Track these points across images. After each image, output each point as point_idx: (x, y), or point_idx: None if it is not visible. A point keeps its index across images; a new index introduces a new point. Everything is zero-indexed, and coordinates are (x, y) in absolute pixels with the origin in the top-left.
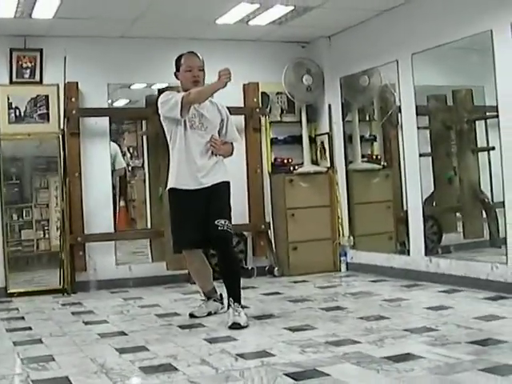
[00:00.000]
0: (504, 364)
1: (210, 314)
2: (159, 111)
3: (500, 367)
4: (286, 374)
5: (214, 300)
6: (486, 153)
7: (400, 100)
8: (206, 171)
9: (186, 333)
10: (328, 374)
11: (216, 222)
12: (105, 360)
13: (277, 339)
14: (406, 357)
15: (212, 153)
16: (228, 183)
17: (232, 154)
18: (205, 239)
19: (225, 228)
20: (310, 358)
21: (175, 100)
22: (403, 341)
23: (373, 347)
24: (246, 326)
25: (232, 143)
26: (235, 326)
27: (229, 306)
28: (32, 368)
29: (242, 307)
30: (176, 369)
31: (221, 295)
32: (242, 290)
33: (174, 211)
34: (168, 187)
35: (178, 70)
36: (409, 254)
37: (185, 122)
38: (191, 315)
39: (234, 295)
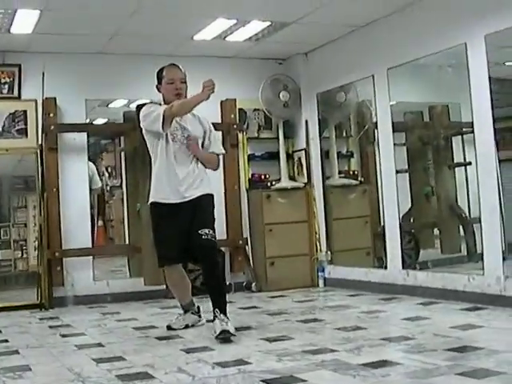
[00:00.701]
0: (480, 368)
1: (187, 326)
2: (141, 124)
3: (476, 371)
4: (263, 381)
5: (192, 313)
6: (463, 168)
7: (376, 116)
8: (188, 184)
9: (164, 344)
10: (304, 380)
11: (200, 232)
12: (82, 369)
13: (254, 349)
14: (382, 363)
15: (196, 164)
16: (211, 196)
17: (217, 165)
18: (187, 254)
19: (208, 237)
20: (287, 366)
21: (157, 113)
22: (380, 349)
23: (350, 355)
24: (234, 335)
25: (218, 155)
26: (224, 335)
27: (214, 317)
28: (8, 377)
29: (229, 319)
30: (153, 377)
31: (198, 308)
32: (227, 301)
33: (155, 226)
34: (150, 201)
35: (159, 82)
36: (386, 268)
37: (167, 135)
38: (169, 327)
39: (220, 306)
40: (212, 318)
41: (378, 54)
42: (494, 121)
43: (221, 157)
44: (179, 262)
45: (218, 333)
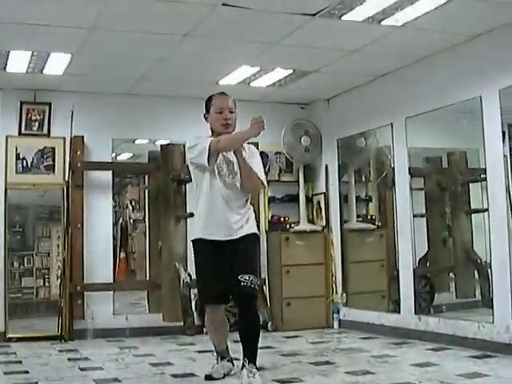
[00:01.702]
0: None
1: (224, 375)
2: (186, 156)
3: None
4: None
5: (228, 360)
6: (480, 214)
7: (394, 162)
8: (234, 221)
9: (178, 381)
10: None
11: (240, 278)
12: None
13: None
14: None
15: (244, 201)
16: (257, 235)
17: (256, 188)
18: (228, 293)
19: (248, 284)
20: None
21: (203, 147)
22: None
23: None
24: None
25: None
26: None
27: (243, 366)
28: None
29: (257, 369)
30: None
31: (231, 357)
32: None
33: (199, 262)
34: (193, 237)
35: (207, 111)
36: (399, 312)
37: (213, 169)
38: (209, 377)
39: (250, 356)
40: (241, 365)
41: (397, 104)
42: None
43: (260, 184)
44: (222, 301)
45: None
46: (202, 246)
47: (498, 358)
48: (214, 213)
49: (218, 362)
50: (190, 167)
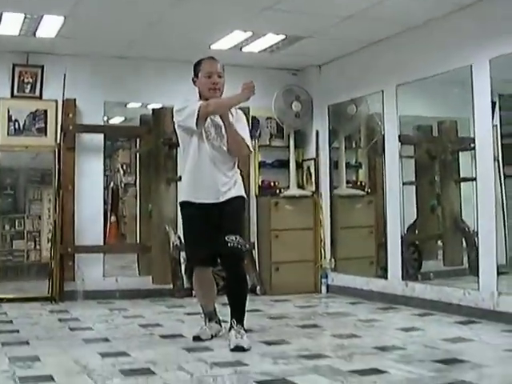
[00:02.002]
0: (461, 380)
1: (212, 336)
2: (174, 118)
3: (457, 383)
4: (257, 382)
5: (216, 322)
6: (469, 183)
7: (384, 129)
8: (221, 185)
9: (167, 342)
10: (295, 383)
11: (226, 238)
12: (87, 362)
13: (252, 351)
14: (371, 371)
15: (231, 164)
16: (243, 198)
17: (243, 152)
18: (216, 256)
19: (235, 245)
20: (281, 369)
21: (192, 109)
22: (371, 357)
23: (342, 362)
24: (248, 349)
25: (245, 143)
26: (238, 349)
27: (231, 327)
28: (18, 366)
29: (245, 330)
30: (154, 373)
31: (218, 317)
32: (246, 312)
33: (187, 225)
34: (181, 200)
35: (196, 75)
36: (386, 278)
37: (200, 132)
38: (197, 338)
39: (238, 316)
40: (229, 326)
41: (388, 71)
42: (502, 137)
43: (246, 149)
44: (210, 264)
45: (232, 346)
46: (190, 209)
47: (482, 323)
48: (201, 176)
49: (205, 324)
50: (177, 130)
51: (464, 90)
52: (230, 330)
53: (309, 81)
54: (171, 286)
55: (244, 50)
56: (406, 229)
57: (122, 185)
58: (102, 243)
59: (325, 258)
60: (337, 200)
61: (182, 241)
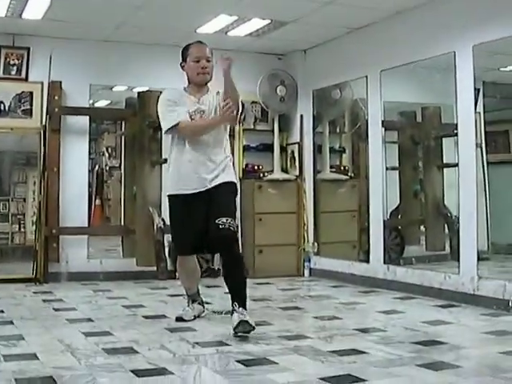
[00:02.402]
0: (439, 361)
1: (195, 317)
2: (158, 109)
3: (435, 363)
4: (238, 361)
5: (199, 303)
6: (452, 169)
7: (368, 114)
8: (206, 173)
9: (150, 322)
10: (276, 363)
11: (217, 221)
12: (71, 341)
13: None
14: (350, 352)
15: (219, 149)
16: (233, 183)
17: (238, 110)
18: (205, 244)
19: (226, 226)
20: (262, 349)
21: (172, 118)
22: (351, 338)
23: (322, 342)
24: (254, 327)
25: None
26: (243, 327)
27: (233, 311)
28: (2, 345)
29: (247, 311)
30: (137, 352)
31: (201, 298)
32: (247, 294)
33: (173, 217)
34: (168, 193)
35: (184, 60)
36: (368, 262)
37: (185, 118)
38: (179, 319)
39: (239, 299)
40: (231, 310)
41: (372, 56)
42: (485, 124)
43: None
44: (195, 253)
45: (235, 324)
46: (176, 200)
47: (462, 307)
48: (185, 165)
49: (188, 305)
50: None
51: (447, 77)
52: (232, 313)
53: (294, 65)
54: (155, 268)
55: (229, 34)
56: (389, 214)
57: (107, 168)
58: (86, 225)
59: (308, 241)
60: (320, 184)
61: (167, 223)
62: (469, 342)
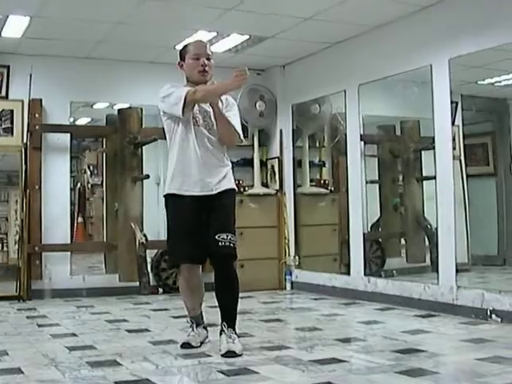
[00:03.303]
0: (418, 368)
1: (201, 343)
2: (159, 105)
3: (414, 370)
4: (220, 371)
5: (204, 328)
6: (431, 181)
7: (346, 128)
8: (211, 176)
9: (133, 336)
10: (257, 372)
11: (217, 237)
12: (55, 355)
13: (215, 344)
14: (330, 361)
15: (220, 153)
16: (234, 191)
17: (233, 141)
18: (206, 253)
19: (226, 244)
20: (243, 360)
21: (178, 95)
22: (332, 348)
23: (303, 352)
24: (240, 355)
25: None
26: (230, 355)
27: (222, 331)
28: None
29: (237, 335)
30: (120, 364)
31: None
32: (237, 315)
33: (172, 220)
34: (165, 192)
35: (182, 59)
36: (349, 274)
37: (187, 119)
38: (186, 345)
39: (229, 320)
40: (219, 330)
41: (350, 71)
42: (464, 137)
43: (237, 137)
44: (195, 262)
45: (223, 352)
46: (176, 202)
47: (442, 316)
48: (188, 166)
49: (193, 330)
50: (162, 118)
51: (425, 90)
52: (220, 334)
53: (273, 80)
54: (137, 283)
55: None
56: (369, 226)
57: (89, 186)
58: (68, 242)
59: (289, 255)
60: (300, 198)
61: (149, 238)
62: (447, 349)
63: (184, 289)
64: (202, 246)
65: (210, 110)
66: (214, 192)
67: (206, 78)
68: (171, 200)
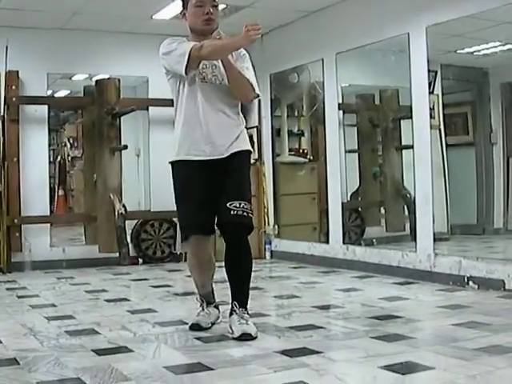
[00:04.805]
0: (394, 333)
1: (212, 324)
2: (161, 62)
3: (390, 335)
4: (197, 338)
5: (215, 306)
6: (410, 150)
7: (324, 97)
8: (223, 137)
9: (111, 305)
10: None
11: (228, 205)
12: (34, 325)
13: (193, 312)
14: (307, 327)
15: (233, 111)
16: (249, 153)
17: (250, 96)
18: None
19: (239, 212)
20: (221, 326)
21: (182, 51)
22: (309, 315)
23: (280, 319)
24: (256, 337)
25: (251, 85)
26: (245, 338)
27: (232, 311)
28: None
29: (249, 314)
30: (98, 333)
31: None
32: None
33: (179, 188)
34: (172, 159)
35: (184, 7)
36: (328, 243)
37: (193, 75)
38: (196, 326)
39: (241, 299)
40: (229, 310)
41: (328, 39)
42: (444, 107)
43: (252, 91)
44: (211, 231)
45: (237, 335)
46: (183, 168)
47: (420, 284)
48: (196, 128)
49: (203, 309)
50: (166, 76)
51: (403, 59)
52: (231, 314)
53: (251, 50)
54: (117, 254)
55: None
56: (349, 196)
57: (69, 158)
58: (48, 214)
59: (268, 224)
60: (279, 167)
61: (128, 209)
62: (424, 315)
63: (193, 264)
64: (212, 215)
65: (219, 63)
66: (226, 155)
67: (212, 27)
68: (178, 167)
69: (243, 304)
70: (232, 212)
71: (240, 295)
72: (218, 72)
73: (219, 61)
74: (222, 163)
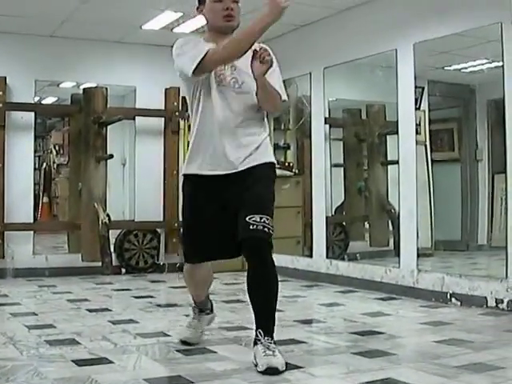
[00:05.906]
0: (375, 349)
1: (202, 332)
2: (174, 64)
3: (371, 351)
4: (178, 350)
5: (207, 313)
6: (396, 166)
7: (311, 111)
8: (237, 149)
9: (93, 315)
10: (214, 352)
11: (248, 219)
12: (14, 334)
13: (175, 323)
14: (289, 341)
15: (255, 118)
16: (272, 165)
17: (279, 107)
18: (230, 249)
19: (259, 227)
20: (203, 339)
21: (195, 53)
22: (291, 329)
23: None
24: (283, 371)
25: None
26: (271, 372)
27: (256, 341)
28: None
29: (275, 343)
30: (79, 343)
31: (211, 303)
32: (275, 319)
33: (187, 207)
34: (183, 172)
35: (201, 2)
36: (311, 257)
37: (208, 78)
38: (184, 342)
39: (266, 326)
40: (253, 339)
41: (316, 53)
42: (430, 123)
43: (280, 101)
44: (212, 259)
45: (262, 368)
46: (194, 185)
47: (402, 299)
48: (210, 139)
49: (194, 317)
50: (180, 79)
51: (390, 75)
52: (255, 343)
53: None
54: (100, 263)
55: (175, 30)
56: (334, 210)
57: (55, 166)
58: (32, 221)
59: None
60: None
61: (112, 219)
62: (406, 331)
63: (188, 281)
64: (217, 241)
65: (240, 64)
66: (241, 169)
67: (233, 24)
68: (189, 182)
69: (269, 332)
70: (251, 227)
71: (265, 322)
72: (237, 74)
73: (250, 74)
74: (239, 177)
